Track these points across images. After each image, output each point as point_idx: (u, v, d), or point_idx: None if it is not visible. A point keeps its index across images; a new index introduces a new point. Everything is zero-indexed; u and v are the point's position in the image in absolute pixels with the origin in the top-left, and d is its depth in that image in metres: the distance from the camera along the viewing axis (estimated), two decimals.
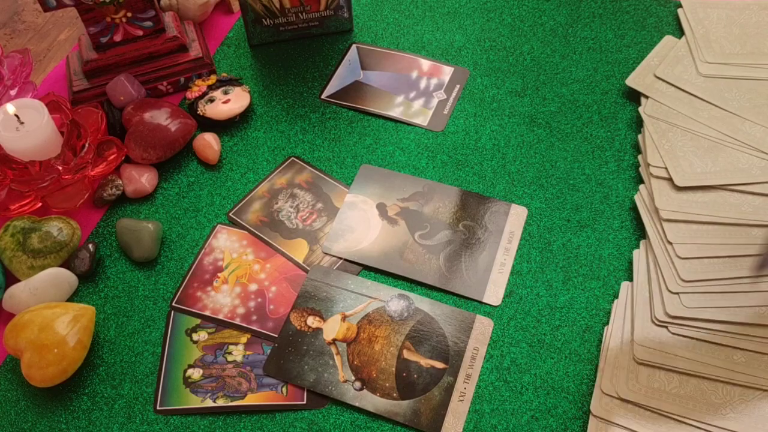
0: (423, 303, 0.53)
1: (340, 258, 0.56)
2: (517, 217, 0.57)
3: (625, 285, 0.52)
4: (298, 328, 0.52)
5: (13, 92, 0.65)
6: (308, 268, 0.55)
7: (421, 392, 0.49)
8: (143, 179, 0.60)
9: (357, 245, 0.56)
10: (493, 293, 0.53)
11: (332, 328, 0.52)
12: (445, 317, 0.52)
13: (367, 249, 0.56)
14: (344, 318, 0.52)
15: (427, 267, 0.55)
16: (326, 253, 0.56)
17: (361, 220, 0.58)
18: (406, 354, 0.50)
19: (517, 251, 0.56)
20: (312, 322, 0.52)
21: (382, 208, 0.58)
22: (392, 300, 0.53)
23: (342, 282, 0.54)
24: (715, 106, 0.61)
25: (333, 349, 0.51)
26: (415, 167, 0.62)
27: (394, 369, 0.50)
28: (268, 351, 0.51)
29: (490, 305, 0.53)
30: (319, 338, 0.51)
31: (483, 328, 0.51)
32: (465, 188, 0.59)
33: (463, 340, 0.51)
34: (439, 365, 0.50)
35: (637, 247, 0.55)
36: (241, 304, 0.54)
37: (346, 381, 0.49)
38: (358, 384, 0.49)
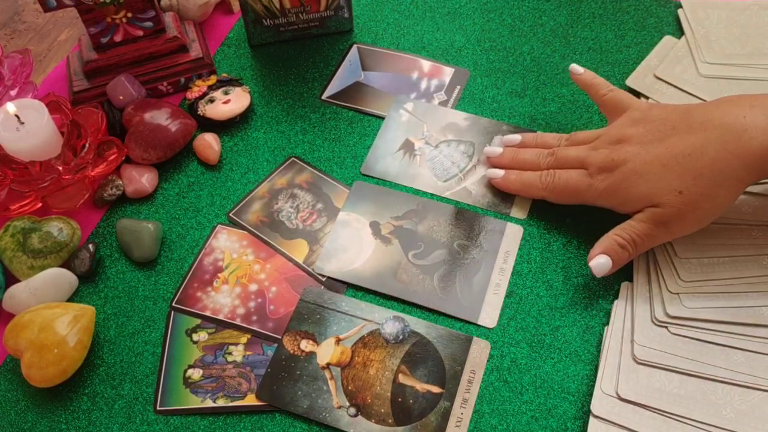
0: (419, 325, 0.52)
1: (333, 279, 0.55)
2: (513, 235, 0.56)
3: (625, 285, 0.52)
4: (291, 352, 0.51)
5: (13, 92, 0.65)
6: (308, 269, 0.55)
7: (417, 418, 0.47)
8: (143, 179, 0.61)
9: (350, 265, 0.55)
10: (488, 315, 0.52)
11: (326, 352, 0.51)
12: (441, 339, 0.51)
13: (359, 269, 0.55)
14: (338, 341, 0.51)
15: (421, 287, 0.54)
16: (319, 273, 0.55)
17: (354, 239, 0.57)
18: (401, 378, 0.49)
19: (517, 252, 0.55)
20: (305, 346, 0.51)
21: (375, 227, 0.57)
22: (387, 322, 0.52)
23: (336, 304, 0.53)
24: None
25: (327, 374, 0.50)
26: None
27: (389, 394, 0.48)
28: (268, 351, 0.51)
29: (486, 327, 0.52)
30: (313, 363, 0.50)
31: (480, 350, 0.50)
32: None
33: (459, 363, 0.50)
34: (435, 389, 0.49)
35: None
36: (241, 304, 0.54)
37: (340, 407, 0.48)
38: (352, 410, 0.48)
